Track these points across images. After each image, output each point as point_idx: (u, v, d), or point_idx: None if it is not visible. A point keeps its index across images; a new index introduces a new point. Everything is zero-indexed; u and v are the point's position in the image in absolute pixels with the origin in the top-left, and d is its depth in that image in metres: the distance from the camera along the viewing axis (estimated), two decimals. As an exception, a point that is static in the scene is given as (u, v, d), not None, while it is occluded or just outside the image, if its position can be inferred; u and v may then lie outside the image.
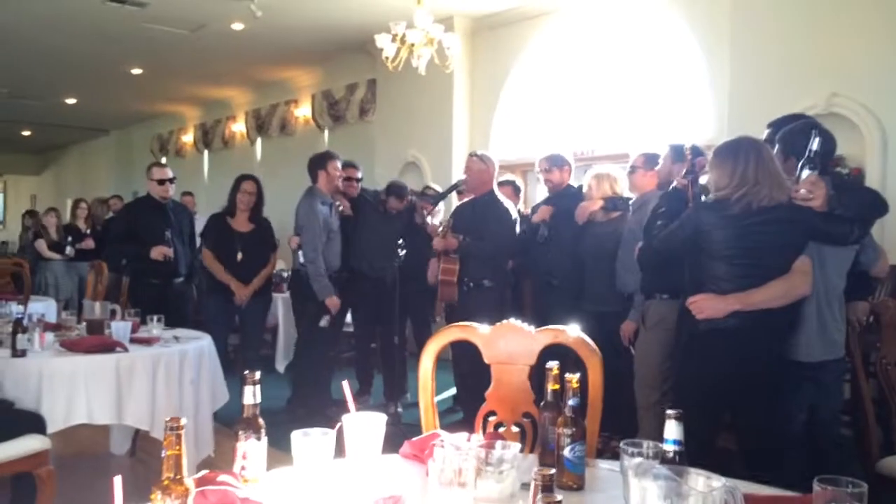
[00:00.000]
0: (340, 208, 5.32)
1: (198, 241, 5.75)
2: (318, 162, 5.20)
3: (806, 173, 2.76)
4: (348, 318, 5.77)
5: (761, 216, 2.73)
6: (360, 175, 5.60)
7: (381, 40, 5.80)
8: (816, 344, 2.90)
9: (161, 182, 5.24)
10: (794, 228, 2.76)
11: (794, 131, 2.99)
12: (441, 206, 5.73)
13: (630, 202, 4.32)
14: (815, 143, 2.76)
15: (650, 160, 4.12)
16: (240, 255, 5.15)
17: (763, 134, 3.18)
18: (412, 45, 5.73)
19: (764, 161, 2.77)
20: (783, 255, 2.76)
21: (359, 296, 5.47)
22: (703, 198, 3.08)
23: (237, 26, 8.14)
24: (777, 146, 3.00)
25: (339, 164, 5.25)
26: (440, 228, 4.95)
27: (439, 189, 5.97)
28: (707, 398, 2.80)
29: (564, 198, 4.72)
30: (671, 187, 3.41)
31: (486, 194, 4.82)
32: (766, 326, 2.74)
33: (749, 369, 2.75)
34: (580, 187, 4.73)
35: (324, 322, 5.04)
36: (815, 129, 2.88)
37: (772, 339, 2.79)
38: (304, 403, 5.22)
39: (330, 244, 5.11)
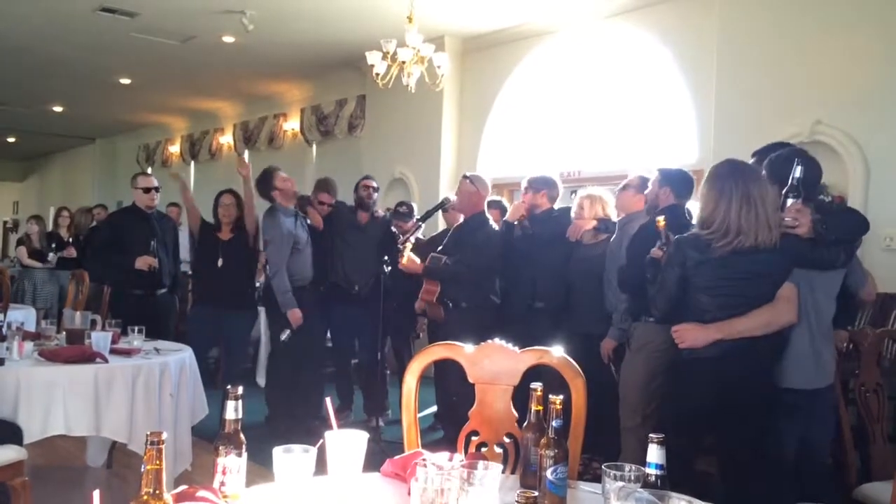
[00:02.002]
0: (309, 221, 5.31)
1: (181, 252, 5.70)
2: (265, 183, 5.15)
3: (790, 202, 2.78)
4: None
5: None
6: (331, 200, 5.58)
7: (372, 57, 5.82)
8: (810, 371, 2.84)
9: (147, 191, 5.21)
10: (779, 257, 2.73)
11: (781, 158, 2.98)
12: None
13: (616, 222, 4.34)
14: (797, 171, 2.78)
15: (644, 183, 4.11)
16: (220, 262, 5.12)
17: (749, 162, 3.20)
18: (402, 62, 5.76)
19: (752, 204, 2.67)
20: (768, 283, 2.73)
21: (337, 310, 5.43)
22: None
23: (228, 39, 8.15)
24: (764, 173, 3.01)
25: (283, 174, 5.21)
26: (403, 249, 4.85)
27: (414, 205, 6.00)
28: (688, 422, 2.79)
29: (545, 222, 4.66)
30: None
31: (475, 216, 4.80)
32: (748, 355, 2.71)
33: (730, 398, 2.72)
34: (562, 210, 4.72)
35: (284, 336, 4.99)
36: (799, 157, 2.91)
37: (755, 367, 2.75)
38: (279, 415, 5.15)
39: (299, 255, 5.09)
